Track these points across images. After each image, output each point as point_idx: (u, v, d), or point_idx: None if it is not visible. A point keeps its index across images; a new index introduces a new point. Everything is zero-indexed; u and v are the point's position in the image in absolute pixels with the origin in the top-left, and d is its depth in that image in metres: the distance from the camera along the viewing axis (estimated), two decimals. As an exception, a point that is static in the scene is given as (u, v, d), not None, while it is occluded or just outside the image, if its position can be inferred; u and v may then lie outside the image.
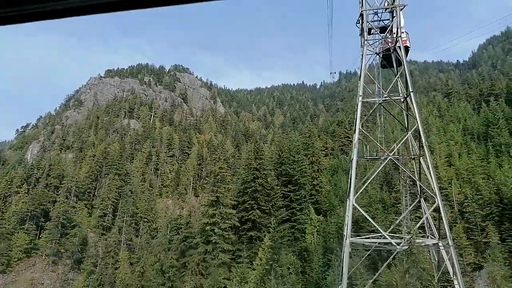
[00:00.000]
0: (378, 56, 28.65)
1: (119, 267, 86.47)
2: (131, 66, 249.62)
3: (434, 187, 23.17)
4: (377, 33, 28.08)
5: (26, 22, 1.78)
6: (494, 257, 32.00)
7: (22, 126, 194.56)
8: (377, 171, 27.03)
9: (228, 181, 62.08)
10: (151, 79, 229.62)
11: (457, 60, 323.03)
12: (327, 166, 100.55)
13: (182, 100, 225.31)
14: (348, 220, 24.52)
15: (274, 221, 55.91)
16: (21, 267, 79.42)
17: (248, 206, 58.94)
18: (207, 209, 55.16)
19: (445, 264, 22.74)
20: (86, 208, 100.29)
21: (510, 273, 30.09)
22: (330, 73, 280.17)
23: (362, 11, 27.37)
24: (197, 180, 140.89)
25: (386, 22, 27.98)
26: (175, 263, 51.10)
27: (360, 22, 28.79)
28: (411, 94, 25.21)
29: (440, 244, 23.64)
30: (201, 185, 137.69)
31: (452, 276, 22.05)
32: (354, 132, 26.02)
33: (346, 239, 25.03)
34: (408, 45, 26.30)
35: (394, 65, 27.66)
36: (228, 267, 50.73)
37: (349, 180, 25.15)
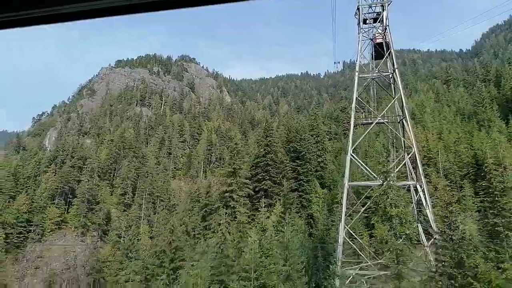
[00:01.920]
0: (372, 42, 35.79)
1: (140, 239, 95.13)
2: (140, 56, 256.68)
3: (412, 139, 30.51)
4: (371, 23, 35.22)
5: (28, 26, 1.78)
6: (467, 206, 39.42)
7: (38, 115, 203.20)
8: (370, 128, 34.65)
9: (243, 156, 69.57)
10: (159, 69, 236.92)
11: (460, 49, 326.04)
12: (331, 149, 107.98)
13: (190, 89, 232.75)
14: (347, 167, 32.04)
15: (284, 189, 63.57)
16: (54, 237, 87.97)
17: (260, 177, 66.71)
18: (225, 179, 62.92)
19: (420, 199, 30.19)
20: (108, 187, 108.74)
21: (476, 216, 37.42)
22: (334, 62, 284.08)
23: (358, 5, 34.58)
24: (207, 164, 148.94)
25: (377, 13, 35.07)
26: (199, 224, 59.08)
27: (358, 14, 35.96)
28: (396, 70, 32.52)
29: (417, 184, 31.03)
30: (211, 169, 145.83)
31: (425, 206, 29.49)
32: (353, 100, 33.43)
33: (345, 183, 32.58)
34: (387, 41, 33.72)
35: (384, 48, 34.74)
36: (244, 228, 58.58)
37: (348, 137, 32.62)
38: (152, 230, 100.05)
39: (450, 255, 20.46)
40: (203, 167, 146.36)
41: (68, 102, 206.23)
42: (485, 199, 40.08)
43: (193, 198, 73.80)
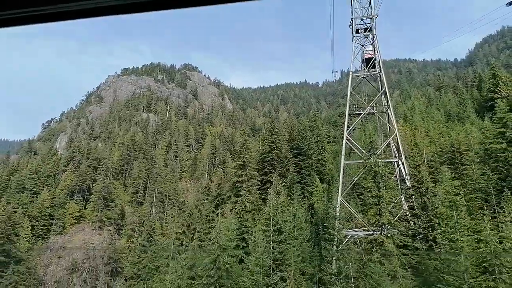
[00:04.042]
0: (363, 47, 43.79)
1: (152, 234, 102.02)
2: (145, 65, 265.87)
3: (394, 124, 38.18)
4: (362, 32, 43.20)
5: (20, 25, 1.71)
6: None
7: (47, 121, 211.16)
8: (360, 117, 42.49)
9: (251, 151, 77.14)
10: (164, 77, 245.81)
11: (455, 59, 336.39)
12: (330, 151, 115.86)
13: (193, 97, 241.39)
14: (343, 146, 39.65)
15: (288, 181, 71.01)
16: (74, 231, 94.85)
17: (267, 170, 74.20)
18: (235, 170, 70.34)
19: (402, 173, 37.73)
20: (121, 186, 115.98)
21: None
22: (332, 71, 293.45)
23: (352, 18, 42.64)
24: (211, 167, 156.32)
25: (368, 25, 43.09)
26: (213, 211, 66.31)
27: (351, 25, 44.00)
28: (382, 70, 40.40)
29: (399, 161, 38.55)
30: (215, 172, 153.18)
31: (404, 176, 36.98)
32: (347, 95, 41.23)
33: (342, 160, 40.12)
34: (375, 56, 41.63)
35: (374, 53, 42.64)
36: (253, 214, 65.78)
37: (344, 125, 40.30)
38: (162, 227, 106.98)
39: (418, 202, 27.75)
40: (208, 170, 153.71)
41: (76, 109, 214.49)
42: (450, 166, 48.32)
43: (205, 192, 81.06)
